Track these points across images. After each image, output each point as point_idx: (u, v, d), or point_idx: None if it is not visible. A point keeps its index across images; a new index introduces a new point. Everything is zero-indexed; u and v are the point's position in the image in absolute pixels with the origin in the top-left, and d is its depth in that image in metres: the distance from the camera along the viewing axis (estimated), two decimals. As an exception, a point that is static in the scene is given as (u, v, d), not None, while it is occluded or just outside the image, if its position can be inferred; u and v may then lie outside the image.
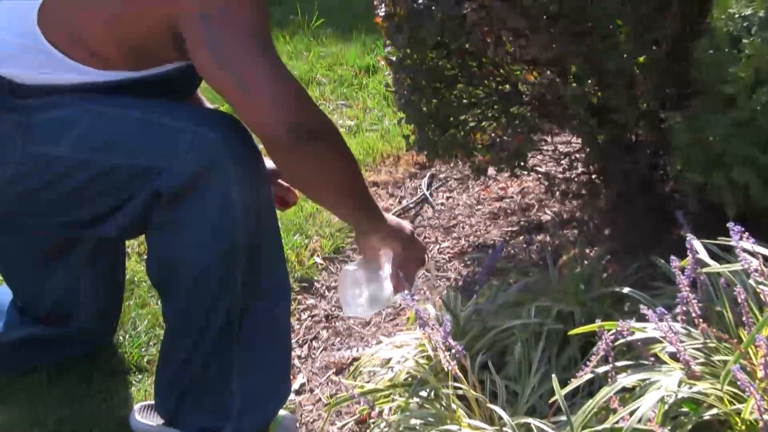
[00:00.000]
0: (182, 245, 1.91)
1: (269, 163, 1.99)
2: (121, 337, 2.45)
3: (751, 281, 1.71)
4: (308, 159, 1.81)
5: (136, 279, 2.69)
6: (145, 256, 2.65)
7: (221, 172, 1.84)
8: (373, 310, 2.12)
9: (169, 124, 1.88)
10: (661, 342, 1.67)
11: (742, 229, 1.74)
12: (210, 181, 1.84)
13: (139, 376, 2.33)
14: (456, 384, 1.82)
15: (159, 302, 2.54)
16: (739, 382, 1.51)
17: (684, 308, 1.71)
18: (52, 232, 2.12)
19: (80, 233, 2.05)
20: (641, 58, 2.33)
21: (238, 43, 1.77)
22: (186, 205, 1.86)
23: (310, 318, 2.61)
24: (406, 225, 2.06)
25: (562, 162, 3.06)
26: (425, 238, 2.98)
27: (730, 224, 1.75)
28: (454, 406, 1.81)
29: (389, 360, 2.07)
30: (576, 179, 2.93)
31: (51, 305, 2.27)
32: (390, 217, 2.03)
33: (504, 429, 1.71)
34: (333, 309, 2.65)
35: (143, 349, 2.42)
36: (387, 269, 2.03)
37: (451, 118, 2.61)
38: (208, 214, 1.86)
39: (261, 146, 1.84)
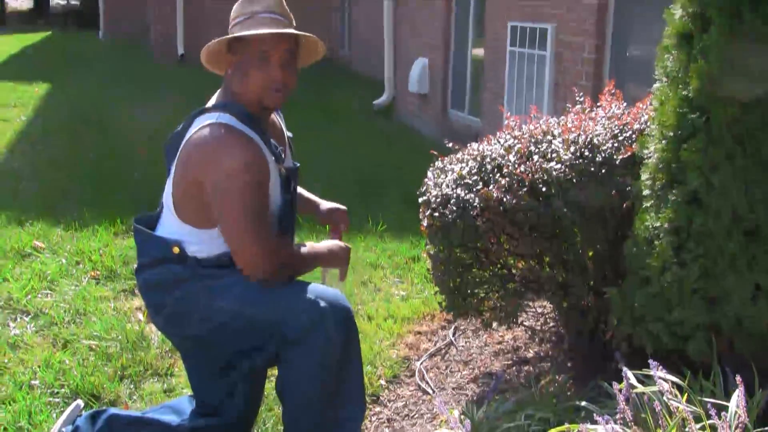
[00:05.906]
0: (294, 376, 1.94)
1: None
2: (256, 430, 2.45)
3: (664, 398, 1.72)
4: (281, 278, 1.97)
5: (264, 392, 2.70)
6: (270, 378, 2.67)
7: (325, 330, 1.88)
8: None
9: (290, 292, 1.94)
10: (606, 437, 1.67)
11: (657, 363, 1.76)
12: (316, 335, 1.88)
13: (266, 456, 2.33)
14: (473, 463, 1.83)
15: (280, 408, 2.55)
16: (658, 463, 1.52)
17: (621, 415, 1.72)
18: (227, 359, 2.12)
19: (241, 362, 2.07)
20: (590, 253, 2.38)
21: (234, 219, 1.90)
22: (300, 348, 1.89)
23: (377, 420, 2.60)
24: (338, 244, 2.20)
25: (540, 319, 3.09)
26: (450, 369, 2.95)
27: (649, 360, 1.78)
28: (472, 478, 1.81)
29: (429, 447, 2.07)
30: (548, 330, 2.96)
31: (217, 403, 2.25)
32: (329, 247, 2.16)
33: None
34: (393, 414, 2.63)
35: (269, 438, 2.42)
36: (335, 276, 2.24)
37: (469, 291, 2.63)
38: (313, 356, 1.90)
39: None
